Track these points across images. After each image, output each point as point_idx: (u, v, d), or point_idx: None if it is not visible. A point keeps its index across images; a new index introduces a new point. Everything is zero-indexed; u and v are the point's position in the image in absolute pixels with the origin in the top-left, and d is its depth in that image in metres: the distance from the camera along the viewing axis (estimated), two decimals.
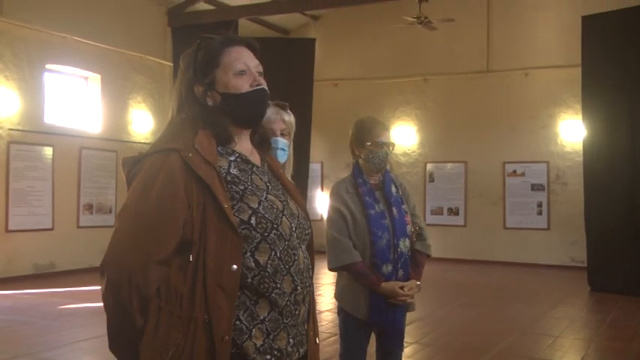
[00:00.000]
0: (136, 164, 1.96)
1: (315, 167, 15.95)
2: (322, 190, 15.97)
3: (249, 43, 2.13)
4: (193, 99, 2.05)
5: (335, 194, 3.78)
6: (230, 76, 2.04)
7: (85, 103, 12.66)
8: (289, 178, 2.96)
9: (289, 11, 14.11)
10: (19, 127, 11.07)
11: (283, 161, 3.04)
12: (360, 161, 3.81)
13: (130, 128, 13.26)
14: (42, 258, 11.42)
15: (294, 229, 2.04)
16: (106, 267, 1.86)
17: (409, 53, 15.31)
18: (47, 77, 11.74)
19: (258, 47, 2.15)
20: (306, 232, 2.11)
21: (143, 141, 13.37)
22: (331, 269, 3.69)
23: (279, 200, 2.05)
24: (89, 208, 12.33)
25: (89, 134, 12.42)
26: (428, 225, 13.68)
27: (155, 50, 13.51)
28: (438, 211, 15.09)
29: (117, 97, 12.98)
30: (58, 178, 11.63)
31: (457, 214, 14.96)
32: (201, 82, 2.05)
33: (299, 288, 2.01)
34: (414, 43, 15.01)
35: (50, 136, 11.56)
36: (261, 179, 2.06)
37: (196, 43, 2.09)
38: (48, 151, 11.53)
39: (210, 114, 2.03)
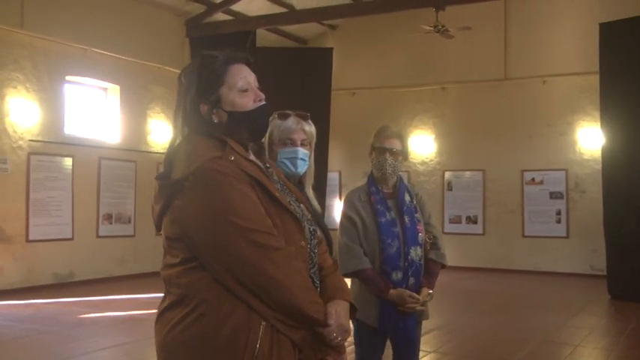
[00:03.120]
0: (172, 182, 2.02)
1: (333, 176, 15.93)
2: (340, 199, 15.94)
3: (247, 60, 2.23)
4: (199, 116, 2.13)
5: (348, 202, 3.83)
6: (235, 94, 2.13)
7: (104, 114, 12.75)
8: (310, 189, 3.06)
9: (306, 21, 14.15)
10: (40, 138, 11.18)
11: (303, 171, 3.05)
12: (373, 169, 3.85)
13: (149, 139, 13.34)
14: (62, 267, 11.49)
15: (312, 233, 2.20)
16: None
17: (426, 62, 15.28)
18: (67, 88, 11.86)
19: (253, 61, 2.24)
20: (317, 235, 2.26)
21: (162, 151, 13.41)
22: (341, 275, 3.69)
23: (296, 205, 2.21)
24: (108, 217, 12.40)
25: (108, 145, 12.51)
26: (446, 234, 13.62)
27: (174, 61, 13.57)
28: (456, 220, 15.02)
29: (136, 107, 13.06)
30: (77, 189, 11.71)
31: (475, 222, 14.87)
32: (206, 101, 2.12)
33: (318, 289, 2.17)
34: (431, 52, 14.98)
35: (70, 146, 11.66)
36: (277, 187, 2.19)
37: (198, 61, 2.17)
38: (68, 162, 11.62)
39: (219, 130, 2.11)
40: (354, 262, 3.62)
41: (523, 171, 14.40)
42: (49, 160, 11.30)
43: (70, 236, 11.61)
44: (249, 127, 2.15)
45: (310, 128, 3.09)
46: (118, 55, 12.45)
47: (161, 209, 2.06)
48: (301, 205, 2.26)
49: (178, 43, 13.91)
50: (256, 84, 2.20)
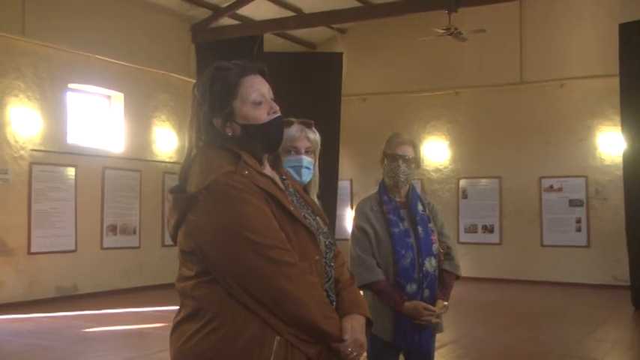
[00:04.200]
0: (187, 196, 2.08)
1: (344, 185, 15.89)
2: (352, 208, 15.87)
3: (261, 70, 2.27)
4: (212, 129, 2.18)
5: (359, 212, 3.82)
6: (248, 107, 2.17)
7: (108, 123, 12.76)
8: (315, 198, 3.06)
9: (315, 25, 14.15)
10: (42, 148, 11.20)
11: (308, 180, 3.07)
12: (385, 177, 3.84)
13: (154, 147, 13.33)
14: (64, 280, 11.48)
15: (327, 246, 2.26)
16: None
17: (439, 66, 15.23)
18: (69, 96, 11.88)
19: (267, 71, 2.28)
20: (333, 248, 2.31)
21: (167, 160, 13.42)
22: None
23: (312, 218, 2.26)
24: (113, 229, 12.38)
25: (112, 154, 12.51)
26: (461, 243, 13.53)
27: (179, 67, 13.59)
28: (471, 229, 14.93)
29: (140, 115, 13.06)
30: (80, 199, 11.71)
31: (492, 231, 14.79)
32: (219, 114, 2.17)
33: (334, 303, 2.22)
34: (444, 56, 14.93)
35: (73, 156, 11.67)
36: (292, 200, 2.24)
37: (210, 74, 2.20)
38: (70, 172, 11.63)
39: (232, 143, 2.16)
40: (367, 274, 3.61)
41: (541, 178, 14.31)
42: (51, 170, 11.31)
43: (73, 248, 11.60)
44: (263, 140, 2.19)
45: (315, 136, 3.12)
46: (121, 62, 12.46)
47: (176, 222, 2.13)
48: (317, 217, 2.30)
49: (184, 49, 13.91)
50: (271, 95, 2.24)
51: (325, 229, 2.30)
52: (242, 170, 2.07)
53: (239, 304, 2.01)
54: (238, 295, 2.00)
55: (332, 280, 2.26)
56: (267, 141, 2.21)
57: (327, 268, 2.23)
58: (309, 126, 3.11)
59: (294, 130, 3.05)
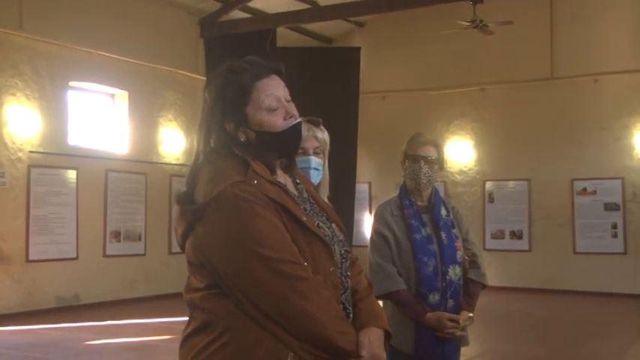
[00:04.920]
0: (194, 207, 2.09)
1: (362, 188, 15.88)
2: (370, 213, 15.84)
3: (277, 70, 2.26)
4: (224, 135, 2.19)
5: (379, 217, 3.83)
6: (263, 114, 2.18)
7: (112, 123, 12.82)
8: (325, 200, 3.02)
9: (331, 18, 14.15)
10: (41, 150, 11.25)
11: (317, 182, 3.08)
12: (406, 180, 3.84)
13: (160, 148, 13.37)
14: (65, 290, 11.52)
15: (343, 255, 2.26)
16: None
17: (464, 61, 15.19)
18: (70, 95, 11.93)
19: (284, 70, 2.27)
20: (350, 256, 2.32)
21: (174, 162, 13.46)
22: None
23: (327, 227, 2.26)
24: (116, 235, 12.43)
25: (116, 156, 12.56)
26: (487, 250, 13.46)
27: (186, 64, 13.62)
28: (498, 235, 14.89)
29: (146, 115, 13.10)
30: (82, 204, 11.76)
31: (520, 237, 14.74)
32: (232, 119, 2.18)
33: (351, 316, 2.23)
34: (469, 50, 14.89)
35: (74, 158, 11.72)
36: (305, 208, 2.25)
37: (222, 77, 2.21)
38: (71, 175, 11.68)
39: (246, 149, 2.17)
40: (387, 283, 3.62)
41: (573, 180, 14.25)
42: (51, 173, 11.36)
43: (74, 256, 11.65)
44: (279, 148, 2.22)
45: (323, 135, 3.14)
46: (125, 59, 12.51)
47: (183, 233, 2.15)
48: (332, 224, 2.31)
49: (192, 45, 13.95)
50: (287, 96, 2.24)
51: (341, 237, 2.30)
52: (251, 180, 2.08)
53: (250, 318, 2.03)
54: (249, 311, 2.02)
55: (348, 291, 2.26)
56: (283, 148, 2.23)
57: (342, 278, 2.23)
58: (316, 124, 3.13)
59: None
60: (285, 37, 14.79)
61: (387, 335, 2.27)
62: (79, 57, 11.83)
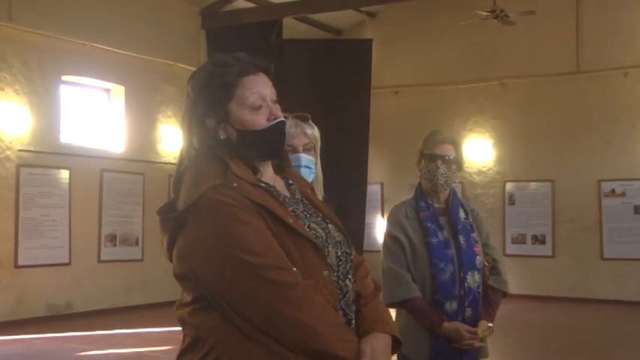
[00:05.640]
0: (174, 215, 2.12)
1: (374, 189, 15.89)
2: (382, 216, 15.84)
3: (266, 68, 2.29)
4: (205, 131, 2.23)
5: (392, 219, 3.85)
6: (245, 111, 2.20)
7: (107, 119, 12.84)
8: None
9: (341, 8, 14.13)
10: (31, 148, 11.27)
11: (310, 181, 3.08)
12: (422, 181, 3.87)
13: (159, 147, 13.39)
14: (57, 297, 11.53)
15: (340, 258, 2.24)
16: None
17: (483, 53, 15.17)
18: (63, 90, 11.96)
19: (273, 69, 2.31)
20: (351, 258, 2.29)
21: (173, 161, 13.40)
22: (386, 305, 3.71)
23: (321, 228, 2.25)
24: (112, 239, 12.44)
25: (111, 154, 12.58)
26: (508, 256, 13.37)
27: (187, 57, 13.61)
28: (519, 240, 14.87)
29: (143, 111, 13.11)
30: (75, 206, 11.77)
31: (543, 242, 14.72)
32: (214, 115, 2.21)
33: (352, 322, 2.21)
34: (488, 42, 14.88)
35: (66, 157, 11.74)
36: (297, 209, 2.26)
37: (207, 70, 2.24)
38: (64, 175, 11.69)
39: (226, 148, 2.20)
40: (401, 290, 3.65)
41: (600, 181, 14.21)
42: (42, 173, 11.38)
43: (66, 261, 11.66)
44: (260, 148, 2.24)
45: (312, 131, 3.16)
46: (122, 51, 12.52)
47: (168, 245, 2.17)
48: (329, 225, 2.30)
49: (192, 36, 13.96)
50: (273, 97, 2.26)
51: (339, 238, 2.29)
52: (230, 182, 2.09)
53: (238, 331, 2.03)
54: (237, 323, 2.03)
55: (348, 295, 2.24)
56: (265, 149, 2.24)
57: (340, 282, 2.22)
58: (304, 120, 3.15)
59: (288, 126, 3.01)
60: (292, 28, 14.79)
61: (396, 342, 2.25)
62: (72, 49, 11.83)
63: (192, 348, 2.12)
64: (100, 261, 12.23)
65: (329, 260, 2.19)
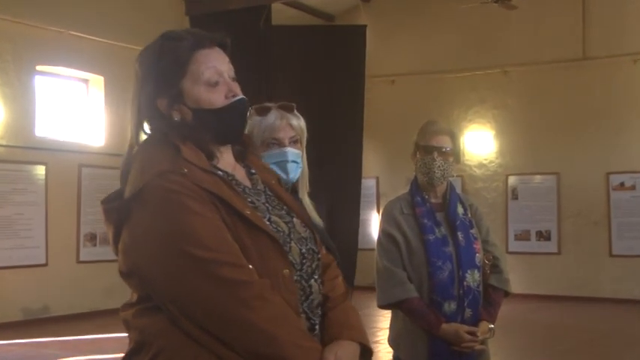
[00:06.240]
0: (120, 202, 2.05)
1: (369, 184, 15.89)
2: (378, 212, 15.85)
3: (222, 43, 2.21)
4: (157, 114, 2.15)
5: (387, 215, 3.86)
6: (201, 88, 2.13)
7: (85, 111, 12.81)
8: (306, 197, 3.13)
9: None
10: (4, 143, 11.28)
11: (297, 176, 3.08)
12: (417, 174, 3.87)
13: (141, 140, 13.29)
14: (33, 301, 11.51)
15: (305, 255, 2.16)
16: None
17: (483, 40, 15.19)
18: (38, 81, 11.94)
19: (230, 44, 2.23)
20: (318, 257, 2.22)
21: None
22: (381, 306, 3.78)
23: (284, 221, 2.17)
24: (92, 239, 12.43)
25: (90, 149, 12.57)
26: (511, 253, 13.41)
27: None
28: (523, 236, 14.93)
29: (124, 102, 13.03)
30: (52, 203, 11.75)
31: (548, 238, 14.77)
32: (166, 94, 2.13)
33: (317, 328, 2.14)
34: (489, 27, 14.91)
35: (42, 152, 11.72)
36: (257, 201, 2.18)
37: (157, 45, 2.16)
38: (40, 171, 11.69)
39: (180, 130, 2.11)
40: (398, 291, 3.66)
41: (609, 174, 14.26)
42: (16, 169, 11.37)
43: (43, 262, 11.66)
44: (219, 129, 2.15)
45: (299, 122, 3.10)
46: (101, 39, 12.48)
47: (114, 238, 2.09)
48: (294, 219, 2.23)
49: (176, 23, 13.82)
50: (231, 74, 2.18)
51: (305, 234, 2.21)
52: (180, 168, 2.01)
53: (186, 335, 1.95)
54: (184, 326, 1.95)
55: (313, 297, 2.16)
56: (223, 130, 2.16)
57: (303, 283, 2.13)
58: (290, 110, 3.09)
59: (272, 118, 3.04)
60: (282, 13, 14.74)
61: (366, 351, 2.17)
62: (48, 37, 11.79)
63: (135, 354, 2.05)
64: (79, 262, 12.23)
65: (291, 258, 2.10)
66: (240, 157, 2.28)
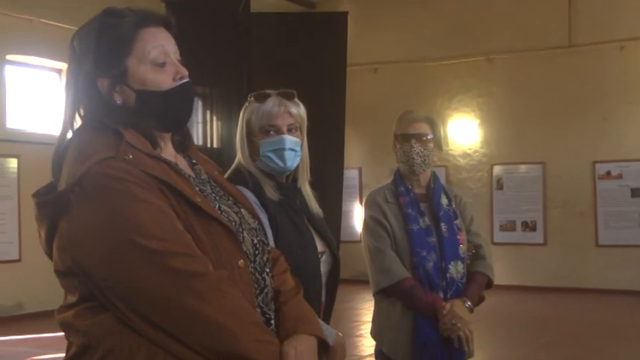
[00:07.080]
0: (56, 194, 1.93)
1: (351, 174, 15.91)
2: (361, 203, 15.87)
3: (167, 22, 2.12)
4: (96, 95, 2.03)
5: (371, 203, 3.86)
6: (147, 68, 2.03)
7: (59, 102, 12.71)
8: (307, 186, 3.07)
9: None
10: None
11: (295, 165, 3.04)
12: (399, 164, 3.88)
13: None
14: (6, 297, 11.47)
15: (257, 247, 2.13)
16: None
17: (467, 27, 15.17)
18: (8, 71, 11.89)
19: (174, 24, 2.14)
20: (268, 249, 2.19)
21: None
22: (378, 292, 3.73)
23: (234, 212, 2.13)
24: None
25: None
26: (496, 244, 13.47)
27: None
28: (509, 227, 14.96)
29: None
30: (25, 197, 11.64)
31: (534, 229, 14.82)
32: (107, 74, 2.02)
33: (272, 322, 2.11)
34: (473, 14, 14.92)
35: (14, 144, 11.68)
36: (204, 190, 2.12)
37: (97, 21, 2.06)
38: (12, 164, 11.67)
39: (121, 115, 2.01)
40: (396, 271, 3.64)
41: (595, 162, 14.31)
42: None
43: (16, 257, 11.63)
44: (166, 113, 2.06)
45: (298, 109, 3.07)
46: (73, 27, 12.07)
47: (47, 235, 1.96)
48: (242, 209, 2.19)
49: (151, 9, 13.84)
50: (177, 56, 2.10)
51: (254, 225, 2.17)
52: (124, 154, 1.91)
53: (136, 333, 1.86)
54: (134, 324, 1.85)
55: (267, 291, 2.13)
56: (169, 114, 2.07)
57: (257, 275, 2.10)
58: (289, 97, 3.06)
59: (270, 105, 3.01)
60: (261, 0, 14.72)
61: (323, 345, 2.13)
62: (18, 25, 11.71)
63: (78, 358, 1.93)
64: None
65: (244, 248, 2.06)
66: (179, 148, 2.20)
